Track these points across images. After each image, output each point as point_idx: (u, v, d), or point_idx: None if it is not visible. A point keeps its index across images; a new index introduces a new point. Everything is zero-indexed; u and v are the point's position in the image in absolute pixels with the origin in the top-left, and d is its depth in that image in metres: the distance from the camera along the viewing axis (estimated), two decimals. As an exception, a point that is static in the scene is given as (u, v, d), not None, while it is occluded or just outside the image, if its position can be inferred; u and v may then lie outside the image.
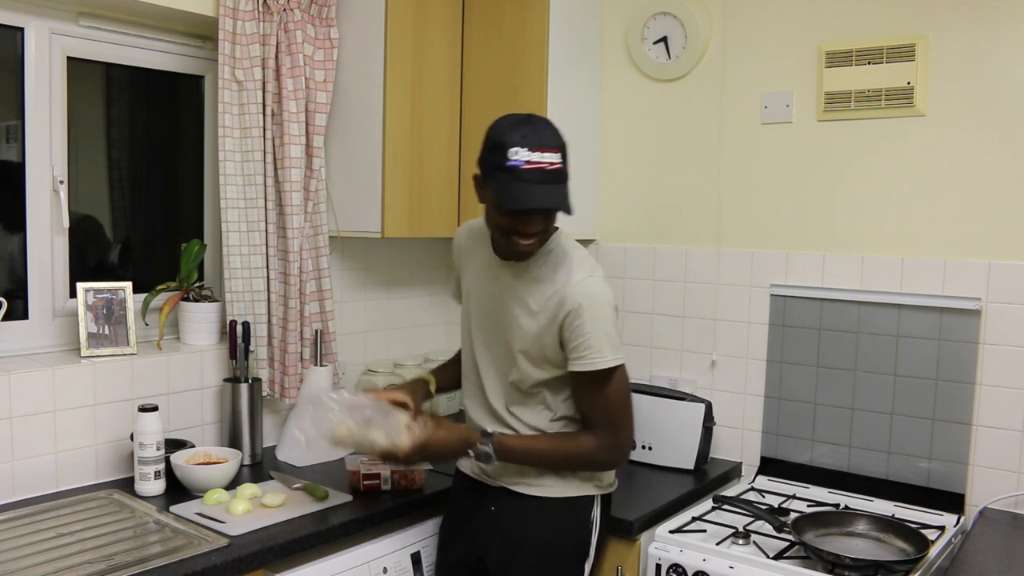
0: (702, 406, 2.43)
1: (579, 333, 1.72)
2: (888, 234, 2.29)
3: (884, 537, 2.00)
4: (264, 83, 2.31)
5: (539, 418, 1.86)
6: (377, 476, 2.09)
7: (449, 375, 2.09)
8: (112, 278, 2.28)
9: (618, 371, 1.76)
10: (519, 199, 1.64)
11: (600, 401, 1.78)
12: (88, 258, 2.34)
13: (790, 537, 1.95)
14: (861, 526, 2.04)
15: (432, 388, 2.04)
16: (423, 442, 1.77)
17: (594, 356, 1.73)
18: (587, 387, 1.78)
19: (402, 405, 1.87)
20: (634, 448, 1.96)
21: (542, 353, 1.79)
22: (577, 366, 1.75)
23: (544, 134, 1.67)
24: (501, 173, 1.65)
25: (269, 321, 2.38)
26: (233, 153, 2.30)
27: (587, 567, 1.89)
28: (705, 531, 2.06)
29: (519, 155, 1.63)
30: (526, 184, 1.63)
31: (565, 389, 1.84)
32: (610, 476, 1.96)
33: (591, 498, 1.89)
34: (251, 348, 2.32)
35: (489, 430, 1.83)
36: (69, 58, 2.20)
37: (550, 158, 1.65)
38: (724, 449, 2.55)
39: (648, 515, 2.09)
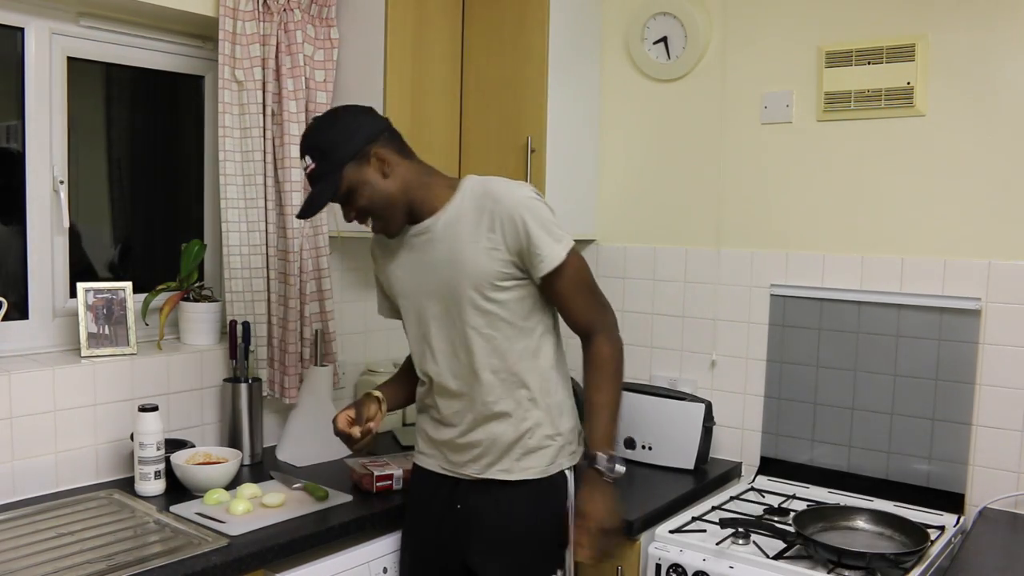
0: (702, 406, 2.43)
1: (531, 242, 1.74)
2: (888, 234, 2.29)
3: (884, 531, 2.02)
4: (264, 83, 2.31)
5: (527, 357, 1.82)
6: (390, 477, 2.09)
7: (397, 391, 2.03)
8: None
9: (572, 257, 1.78)
10: (302, 209, 1.80)
11: (576, 292, 1.81)
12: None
13: (789, 527, 1.96)
14: (861, 521, 2.06)
15: (384, 406, 1.95)
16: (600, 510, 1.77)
17: (549, 255, 1.75)
18: (558, 287, 1.79)
19: (351, 420, 1.88)
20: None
21: (499, 272, 1.77)
22: (542, 270, 1.76)
23: (304, 140, 1.79)
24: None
25: (269, 321, 2.38)
26: (233, 153, 2.30)
27: (568, 555, 1.85)
28: (705, 531, 2.06)
29: (303, 167, 1.80)
30: (311, 193, 1.79)
31: (526, 307, 1.82)
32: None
33: (562, 475, 1.85)
34: (251, 348, 2.33)
35: (600, 452, 1.77)
36: (69, 58, 2.20)
37: (306, 162, 1.77)
38: (724, 449, 2.55)
39: (648, 515, 2.09)
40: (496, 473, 1.84)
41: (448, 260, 1.80)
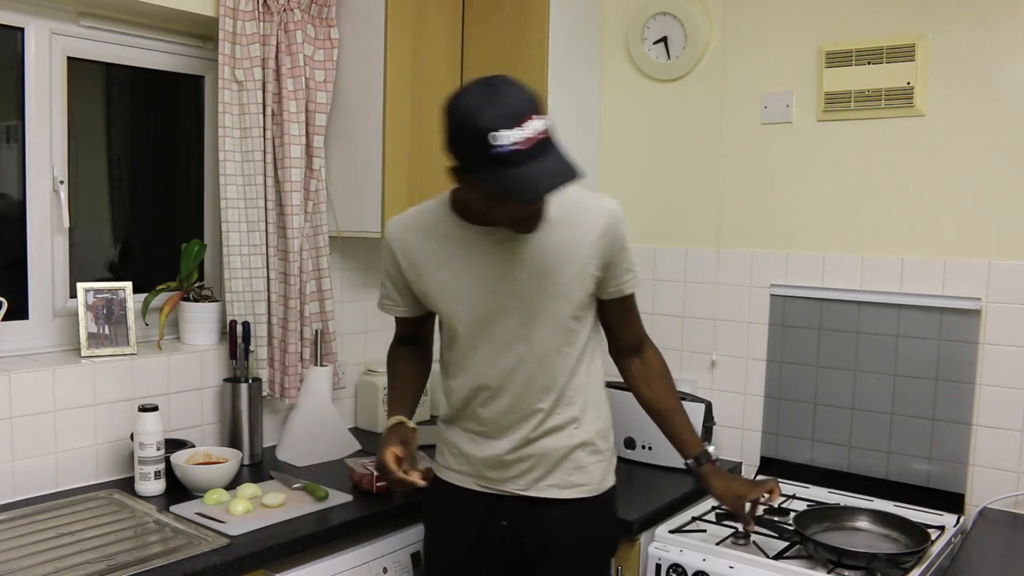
0: (702, 406, 2.43)
1: (624, 257, 1.73)
2: (888, 234, 2.29)
3: (884, 531, 2.02)
4: (264, 83, 2.31)
5: (585, 372, 1.76)
6: None
7: (413, 407, 1.88)
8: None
9: None
10: (530, 187, 1.42)
11: (633, 313, 1.84)
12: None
13: (789, 526, 1.97)
14: (861, 521, 2.06)
15: (412, 426, 1.80)
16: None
17: (638, 271, 1.77)
18: (629, 303, 1.81)
19: (399, 459, 1.69)
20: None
21: (588, 287, 1.70)
22: (628, 288, 1.76)
23: (515, 99, 1.43)
24: (492, 164, 1.41)
25: (269, 321, 2.38)
26: (233, 153, 2.30)
27: (613, 562, 1.91)
28: (705, 531, 2.06)
29: (505, 138, 1.38)
30: (527, 167, 1.40)
31: (591, 324, 1.77)
32: None
33: (613, 490, 1.82)
34: (251, 348, 2.33)
35: (702, 450, 1.87)
36: (69, 58, 2.20)
37: (535, 126, 1.41)
38: (724, 449, 2.55)
39: (648, 515, 2.09)
40: (545, 489, 1.74)
41: (538, 270, 1.65)
